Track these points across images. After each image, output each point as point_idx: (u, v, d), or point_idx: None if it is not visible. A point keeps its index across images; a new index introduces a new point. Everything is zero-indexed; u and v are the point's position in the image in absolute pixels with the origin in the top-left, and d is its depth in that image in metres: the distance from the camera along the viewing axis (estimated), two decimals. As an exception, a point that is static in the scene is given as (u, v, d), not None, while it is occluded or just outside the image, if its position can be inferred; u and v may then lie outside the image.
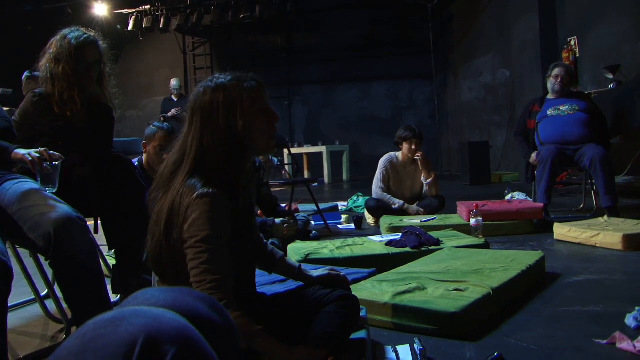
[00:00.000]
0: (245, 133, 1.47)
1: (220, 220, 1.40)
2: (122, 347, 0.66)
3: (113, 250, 2.43)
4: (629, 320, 1.91)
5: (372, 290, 2.21)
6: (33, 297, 2.34)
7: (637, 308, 1.95)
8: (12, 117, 2.27)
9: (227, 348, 0.89)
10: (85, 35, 2.34)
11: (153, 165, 3.15)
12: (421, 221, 4.08)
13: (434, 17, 11.28)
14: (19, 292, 2.45)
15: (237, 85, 1.49)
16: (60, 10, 10.26)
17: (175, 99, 9.14)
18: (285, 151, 8.21)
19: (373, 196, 4.72)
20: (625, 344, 1.69)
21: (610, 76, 5.72)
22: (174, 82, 9.26)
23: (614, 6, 6.41)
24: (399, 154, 4.72)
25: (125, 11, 11.00)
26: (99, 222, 2.40)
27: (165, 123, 3.35)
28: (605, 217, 3.82)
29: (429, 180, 4.61)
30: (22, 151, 1.91)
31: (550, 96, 4.65)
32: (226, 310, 0.97)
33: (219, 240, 1.39)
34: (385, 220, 4.19)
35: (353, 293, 1.73)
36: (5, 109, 2.25)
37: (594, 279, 2.64)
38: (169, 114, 8.68)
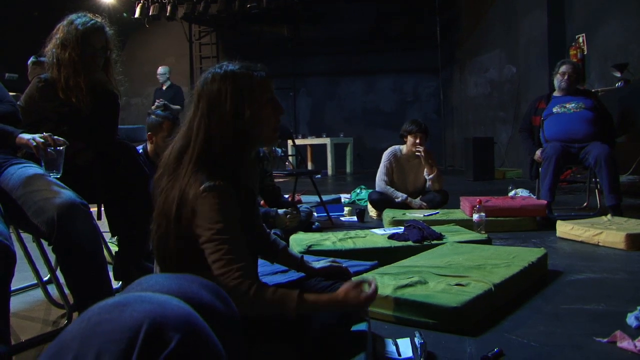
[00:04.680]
0: (252, 123, 1.46)
1: (230, 210, 1.39)
2: (127, 332, 0.66)
3: (116, 237, 2.43)
4: (630, 320, 1.90)
5: (373, 283, 2.20)
6: (35, 281, 2.35)
7: (638, 307, 1.95)
8: (18, 102, 2.27)
9: (229, 335, 0.89)
10: (92, 21, 2.33)
11: (161, 155, 3.14)
12: (424, 215, 4.08)
13: (441, 12, 11.23)
14: (22, 276, 2.46)
15: (247, 74, 1.47)
16: (66, -4, 10.24)
17: (164, 88, 8.64)
18: (289, 142, 8.20)
19: (376, 189, 4.72)
20: (625, 343, 1.68)
21: (618, 74, 5.70)
22: (161, 70, 8.65)
23: (623, 4, 6.37)
24: (403, 148, 4.71)
25: (132, -2, 10.99)
26: (102, 208, 2.40)
27: (167, 111, 3.30)
28: (609, 216, 3.81)
29: (431, 176, 4.60)
30: (26, 136, 1.91)
31: (556, 93, 4.63)
32: (229, 298, 0.97)
33: (233, 230, 1.38)
34: (388, 214, 4.19)
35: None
36: (11, 94, 2.25)
37: (596, 277, 2.64)
38: (153, 106, 8.36)
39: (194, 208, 1.38)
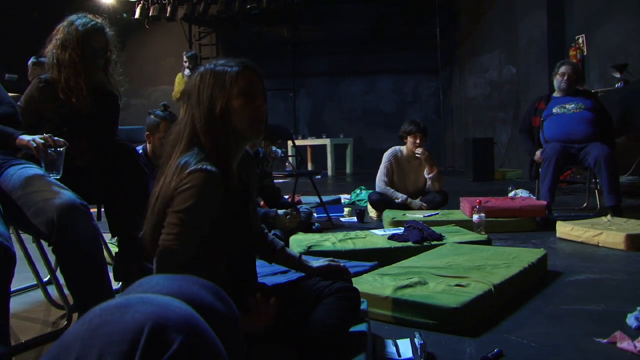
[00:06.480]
0: (225, 114, 1.50)
1: (209, 196, 1.41)
2: (129, 334, 0.66)
3: (115, 238, 2.43)
4: (630, 320, 1.90)
5: (373, 283, 2.21)
6: (35, 282, 2.35)
7: (638, 308, 1.95)
8: (18, 103, 2.27)
9: (230, 336, 0.89)
10: (93, 22, 2.33)
11: (160, 155, 3.13)
12: (424, 216, 4.08)
13: (441, 12, 11.24)
14: (21, 277, 2.46)
15: (222, 70, 1.53)
16: (66, -3, 10.23)
17: None
18: (289, 143, 8.20)
19: (376, 190, 4.72)
20: (625, 344, 1.69)
21: (618, 75, 5.70)
22: None
23: (623, 5, 6.38)
24: (403, 148, 4.71)
25: (131, -1, 10.98)
26: (102, 209, 2.40)
27: (166, 112, 3.28)
28: (609, 217, 3.81)
29: (431, 175, 4.61)
30: (26, 137, 1.91)
31: (556, 94, 4.63)
32: (229, 298, 0.97)
33: (201, 217, 1.41)
34: (388, 214, 4.19)
35: (354, 285, 1.73)
36: (10, 94, 2.25)
37: (596, 278, 2.64)
38: None
39: (176, 189, 1.40)
